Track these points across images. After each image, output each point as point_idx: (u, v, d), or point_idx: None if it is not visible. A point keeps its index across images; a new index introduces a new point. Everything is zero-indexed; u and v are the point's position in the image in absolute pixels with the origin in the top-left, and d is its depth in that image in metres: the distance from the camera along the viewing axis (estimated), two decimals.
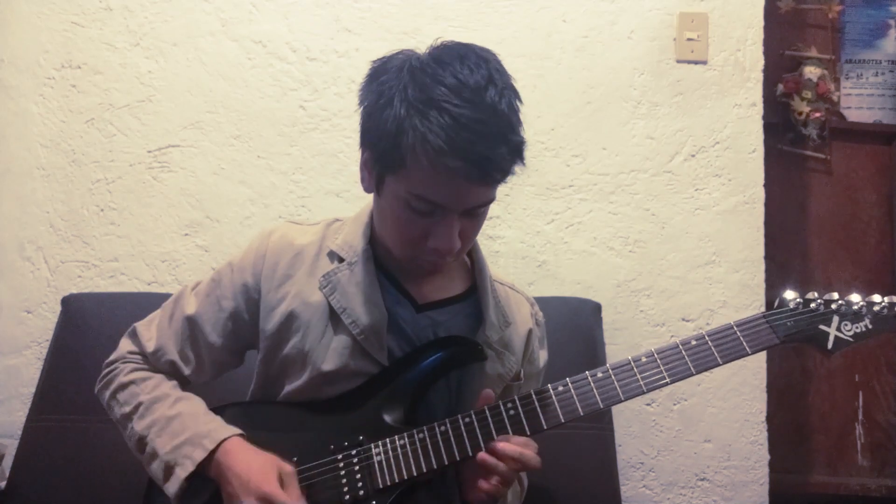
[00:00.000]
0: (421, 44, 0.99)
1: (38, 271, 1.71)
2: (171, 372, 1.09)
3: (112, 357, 1.12)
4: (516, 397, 0.98)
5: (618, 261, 1.77)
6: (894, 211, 2.09)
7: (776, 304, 1.01)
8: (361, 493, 0.95)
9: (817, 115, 2.04)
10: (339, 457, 0.98)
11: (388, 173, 0.95)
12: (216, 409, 1.05)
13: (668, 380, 0.96)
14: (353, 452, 0.98)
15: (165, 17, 1.78)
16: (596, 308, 1.67)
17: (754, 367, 1.74)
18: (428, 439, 0.97)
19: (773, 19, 1.95)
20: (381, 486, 0.95)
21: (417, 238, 0.97)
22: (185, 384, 1.10)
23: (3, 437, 1.61)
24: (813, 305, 0.99)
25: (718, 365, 0.97)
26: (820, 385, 2.06)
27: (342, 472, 0.97)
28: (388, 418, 1.00)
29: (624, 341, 1.75)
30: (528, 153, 0.96)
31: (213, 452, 0.96)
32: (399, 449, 0.97)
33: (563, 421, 0.96)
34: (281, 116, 1.77)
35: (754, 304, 1.76)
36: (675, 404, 1.73)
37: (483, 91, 0.89)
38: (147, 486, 1.06)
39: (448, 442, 0.96)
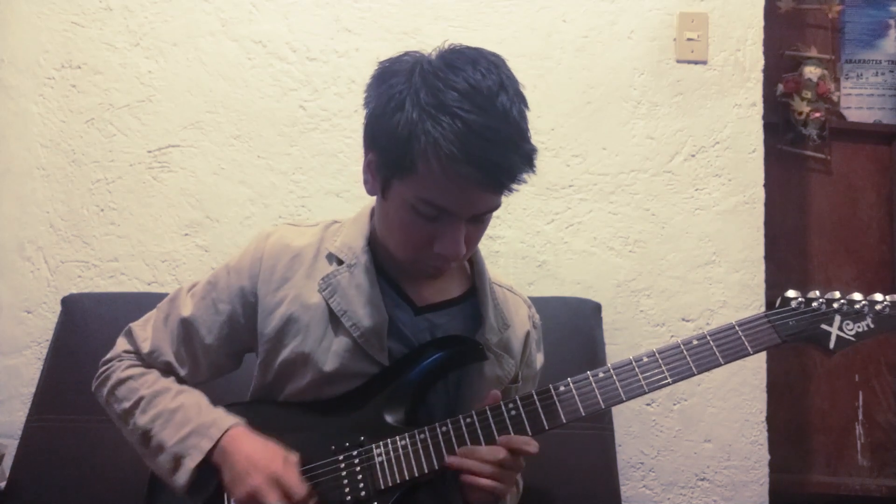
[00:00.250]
0: (421, 44, 0.99)
1: (38, 271, 1.71)
2: (167, 372, 1.09)
3: (108, 356, 1.11)
4: (517, 397, 0.98)
5: (618, 261, 1.77)
6: (894, 211, 2.09)
7: (778, 303, 1.00)
8: (363, 493, 0.95)
9: (817, 115, 2.04)
10: (341, 457, 0.98)
11: (396, 177, 0.93)
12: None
13: (669, 380, 0.96)
14: (355, 453, 0.98)
15: (165, 17, 1.78)
16: (596, 308, 1.67)
17: (754, 367, 1.74)
18: (429, 440, 0.96)
19: (773, 19, 1.95)
20: (382, 486, 0.95)
21: (422, 242, 0.96)
22: (182, 384, 1.10)
23: (3, 437, 1.61)
24: (815, 305, 0.98)
25: (720, 365, 0.96)
26: (820, 385, 2.06)
27: (343, 473, 0.97)
28: (389, 418, 1.00)
29: (624, 341, 1.75)
30: None
31: (218, 441, 0.97)
32: (400, 449, 0.97)
33: (564, 421, 0.96)
34: (281, 116, 1.77)
35: (754, 304, 1.76)
36: (675, 404, 1.73)
37: (495, 97, 0.89)
38: (148, 486, 1.05)
39: (449, 442, 0.96)
